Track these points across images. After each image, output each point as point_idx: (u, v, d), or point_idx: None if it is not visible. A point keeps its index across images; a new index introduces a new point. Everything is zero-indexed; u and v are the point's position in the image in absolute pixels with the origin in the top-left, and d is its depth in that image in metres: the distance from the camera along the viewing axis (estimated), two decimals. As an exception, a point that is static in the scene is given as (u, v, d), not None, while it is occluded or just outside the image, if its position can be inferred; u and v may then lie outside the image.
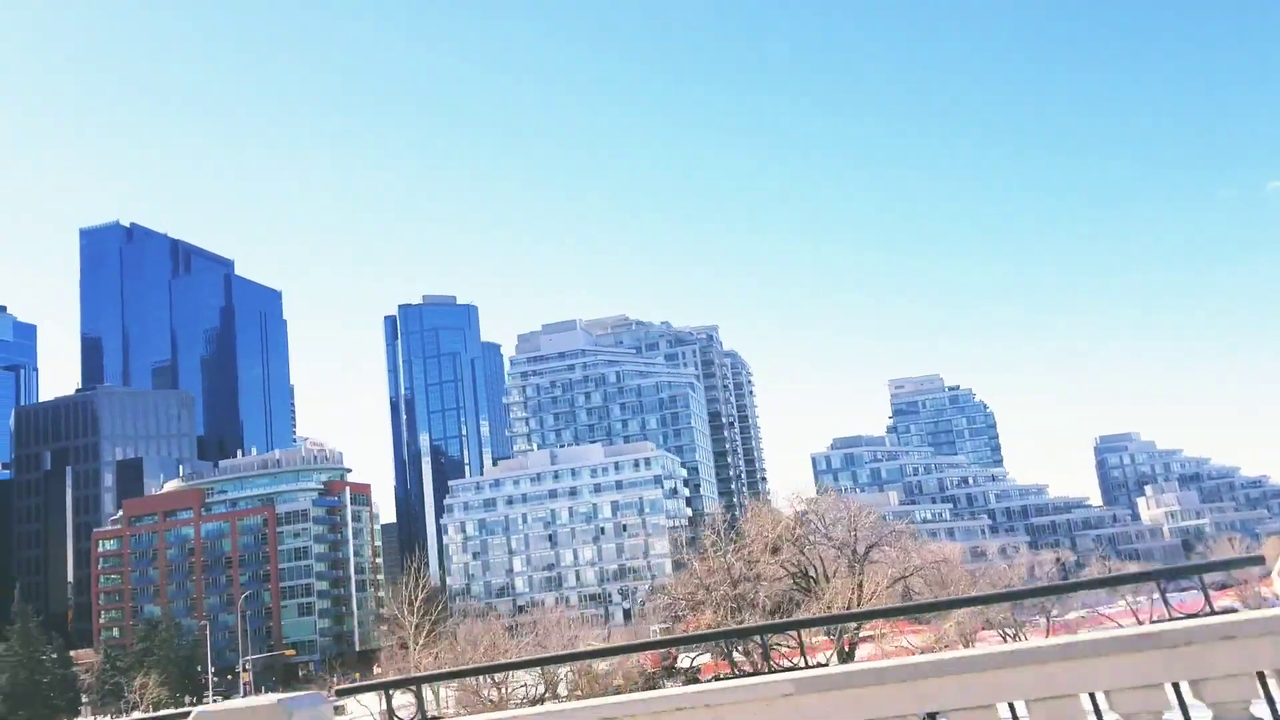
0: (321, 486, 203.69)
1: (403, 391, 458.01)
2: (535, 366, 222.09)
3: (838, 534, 64.03)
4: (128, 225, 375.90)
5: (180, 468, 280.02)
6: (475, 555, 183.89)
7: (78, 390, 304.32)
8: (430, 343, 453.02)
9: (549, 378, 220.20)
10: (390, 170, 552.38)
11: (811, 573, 60.53)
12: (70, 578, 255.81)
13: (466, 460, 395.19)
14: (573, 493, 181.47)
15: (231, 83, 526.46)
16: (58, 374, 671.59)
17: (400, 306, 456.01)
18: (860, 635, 50.40)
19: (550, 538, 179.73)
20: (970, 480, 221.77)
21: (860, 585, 55.54)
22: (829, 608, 51.40)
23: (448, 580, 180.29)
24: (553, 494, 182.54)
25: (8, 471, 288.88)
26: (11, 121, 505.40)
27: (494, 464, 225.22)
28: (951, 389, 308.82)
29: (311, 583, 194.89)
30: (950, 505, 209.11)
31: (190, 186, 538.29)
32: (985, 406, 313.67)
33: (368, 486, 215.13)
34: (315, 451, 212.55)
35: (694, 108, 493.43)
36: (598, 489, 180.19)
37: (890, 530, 69.91)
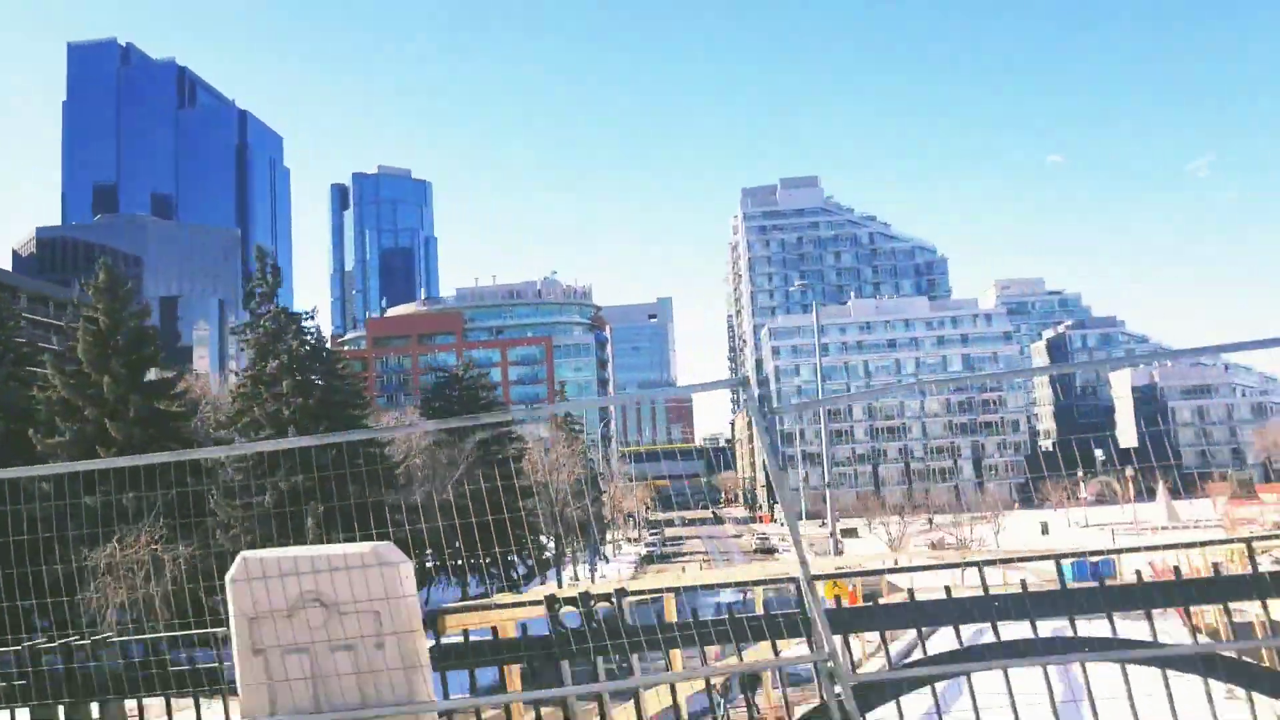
0: (589, 321, 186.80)
1: (348, 265, 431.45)
2: (775, 222, 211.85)
3: None
4: (124, 45, 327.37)
5: (224, 310, 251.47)
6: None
7: (103, 216, 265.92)
8: (386, 216, 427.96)
9: (794, 234, 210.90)
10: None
11: None
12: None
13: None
14: (914, 343, 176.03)
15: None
16: (38, 205, 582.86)
17: (354, 175, 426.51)
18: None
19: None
20: None
21: None
22: None
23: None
24: (891, 344, 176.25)
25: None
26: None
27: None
28: None
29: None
30: None
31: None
32: None
33: (609, 326, 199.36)
34: (572, 286, 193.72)
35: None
36: (941, 341, 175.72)
37: None
